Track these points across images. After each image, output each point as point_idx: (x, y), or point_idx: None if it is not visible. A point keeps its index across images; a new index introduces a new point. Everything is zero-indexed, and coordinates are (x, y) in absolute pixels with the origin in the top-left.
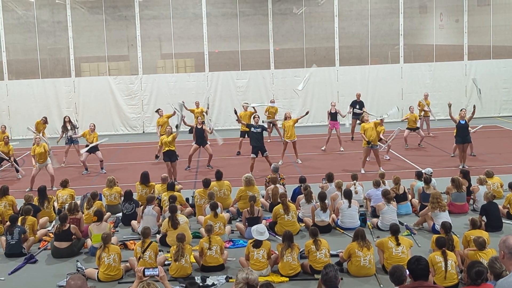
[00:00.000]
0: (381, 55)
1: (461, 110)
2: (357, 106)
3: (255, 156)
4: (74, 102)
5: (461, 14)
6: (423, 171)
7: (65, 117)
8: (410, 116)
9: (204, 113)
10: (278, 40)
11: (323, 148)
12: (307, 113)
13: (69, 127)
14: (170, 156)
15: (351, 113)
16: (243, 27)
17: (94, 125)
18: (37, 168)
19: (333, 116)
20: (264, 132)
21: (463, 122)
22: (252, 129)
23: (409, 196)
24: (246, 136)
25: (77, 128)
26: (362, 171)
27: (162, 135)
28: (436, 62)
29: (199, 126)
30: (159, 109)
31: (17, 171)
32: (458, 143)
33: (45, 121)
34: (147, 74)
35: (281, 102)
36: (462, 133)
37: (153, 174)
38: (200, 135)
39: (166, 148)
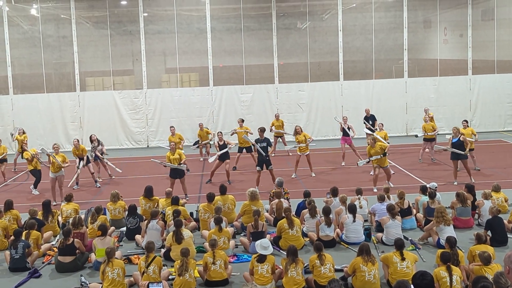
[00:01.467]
0: (385, 69)
1: (453, 128)
2: (370, 122)
3: (260, 169)
4: (79, 116)
5: (465, 29)
6: (427, 185)
7: (91, 136)
8: (426, 125)
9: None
10: (282, 55)
11: (343, 164)
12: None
13: (96, 144)
14: (176, 174)
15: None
16: (248, 41)
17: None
18: (53, 179)
19: (345, 131)
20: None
21: (455, 140)
22: (258, 144)
23: (414, 211)
24: (244, 151)
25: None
26: (375, 189)
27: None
28: (440, 76)
29: (221, 143)
30: (172, 126)
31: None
32: (452, 159)
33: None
34: (151, 88)
35: (285, 117)
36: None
37: (157, 189)
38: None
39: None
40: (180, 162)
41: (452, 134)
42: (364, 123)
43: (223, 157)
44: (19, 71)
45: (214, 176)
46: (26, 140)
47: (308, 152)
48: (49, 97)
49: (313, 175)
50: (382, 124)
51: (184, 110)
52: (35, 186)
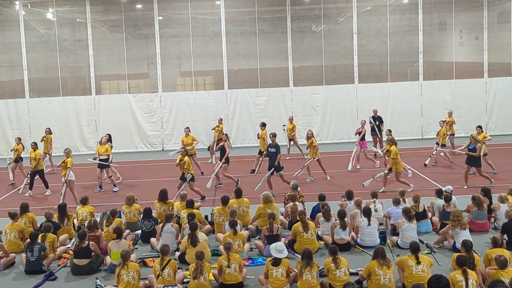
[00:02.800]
0: (400, 72)
1: (470, 136)
2: (377, 122)
3: (270, 174)
4: (94, 119)
5: (481, 31)
6: (443, 189)
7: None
8: (443, 130)
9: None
10: (297, 58)
11: (358, 167)
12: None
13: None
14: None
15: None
16: (262, 45)
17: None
18: (63, 183)
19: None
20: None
21: (471, 147)
22: (269, 148)
23: (429, 214)
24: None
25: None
26: (382, 189)
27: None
28: (456, 79)
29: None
30: (187, 127)
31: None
32: (467, 163)
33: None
34: (166, 91)
35: (299, 120)
36: (470, 158)
37: (171, 192)
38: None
39: (182, 170)
40: (185, 168)
41: (470, 140)
42: (370, 122)
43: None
44: (35, 74)
45: (222, 179)
46: (51, 141)
47: (318, 157)
48: (65, 100)
49: (328, 178)
50: (390, 131)
51: (199, 114)
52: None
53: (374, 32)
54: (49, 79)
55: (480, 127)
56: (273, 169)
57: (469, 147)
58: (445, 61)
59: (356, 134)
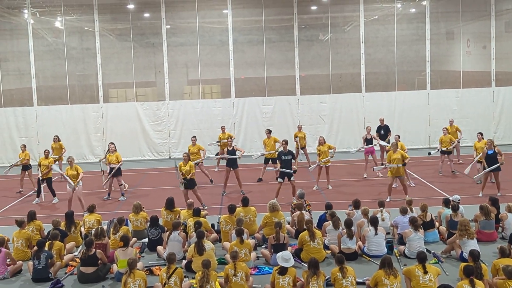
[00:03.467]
0: (407, 81)
1: (488, 140)
2: (382, 132)
3: (282, 181)
4: (102, 127)
5: (488, 40)
6: (450, 198)
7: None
8: (444, 137)
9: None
10: (304, 66)
11: (364, 176)
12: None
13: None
14: (190, 185)
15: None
16: (269, 53)
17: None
18: (70, 191)
19: (368, 141)
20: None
21: (491, 152)
22: (282, 156)
23: (437, 224)
24: (270, 162)
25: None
26: (388, 199)
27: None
28: (463, 88)
29: (229, 148)
30: (194, 136)
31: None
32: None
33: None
34: (173, 100)
35: (307, 128)
36: (490, 163)
37: (178, 200)
38: (232, 158)
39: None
40: (187, 174)
41: (487, 146)
42: (377, 133)
43: (231, 165)
44: (43, 82)
45: (227, 187)
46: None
47: (329, 164)
48: (73, 108)
49: (330, 187)
50: (399, 136)
51: (206, 122)
52: (54, 195)
53: (381, 41)
54: (57, 87)
55: (481, 133)
56: (285, 175)
57: (488, 153)
58: (453, 70)
59: (364, 142)
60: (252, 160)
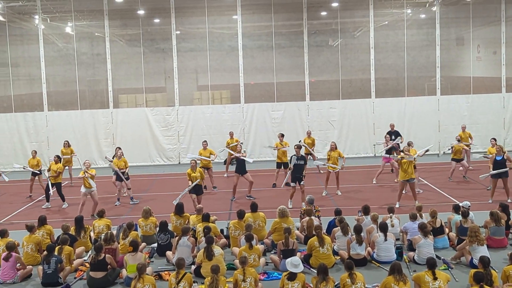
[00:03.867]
0: (417, 87)
1: (497, 145)
2: (393, 137)
3: (294, 185)
4: (112, 133)
5: (498, 46)
6: (460, 204)
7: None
8: (457, 146)
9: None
10: (313, 72)
11: (374, 182)
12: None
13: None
14: (197, 190)
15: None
16: (279, 59)
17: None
18: (84, 194)
19: (388, 150)
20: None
21: (499, 158)
22: (296, 161)
23: (446, 230)
24: (282, 167)
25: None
26: (397, 205)
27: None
28: (473, 94)
29: (238, 154)
30: (205, 141)
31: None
32: (493, 177)
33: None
34: (183, 105)
35: (316, 134)
36: (499, 169)
37: (187, 205)
38: (240, 164)
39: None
40: (194, 180)
41: (496, 152)
42: (385, 137)
43: (240, 171)
44: (53, 88)
45: (236, 193)
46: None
47: (337, 170)
48: (83, 113)
49: (339, 193)
50: (412, 143)
51: (215, 127)
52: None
53: (391, 46)
54: (67, 93)
55: (494, 139)
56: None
57: (497, 159)
58: (463, 76)
59: (383, 150)
60: (263, 166)
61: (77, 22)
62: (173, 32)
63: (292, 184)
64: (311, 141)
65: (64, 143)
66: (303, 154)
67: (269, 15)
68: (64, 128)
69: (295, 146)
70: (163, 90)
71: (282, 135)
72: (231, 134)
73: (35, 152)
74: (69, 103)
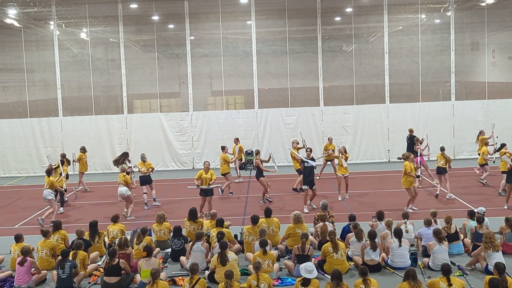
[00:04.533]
0: (432, 92)
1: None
2: (409, 142)
3: (307, 188)
4: (126, 138)
5: None
6: (475, 210)
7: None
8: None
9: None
10: (327, 77)
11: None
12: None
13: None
14: (207, 192)
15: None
16: (293, 64)
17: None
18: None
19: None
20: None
21: None
22: (305, 163)
23: (461, 236)
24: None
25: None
26: (410, 210)
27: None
28: (488, 99)
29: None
30: (225, 146)
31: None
32: (508, 182)
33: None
34: (197, 110)
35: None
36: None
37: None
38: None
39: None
40: (210, 182)
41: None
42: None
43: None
44: (68, 93)
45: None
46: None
47: (347, 174)
48: (97, 119)
49: (347, 197)
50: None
51: (229, 133)
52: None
53: (406, 51)
54: (82, 98)
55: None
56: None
57: None
58: (478, 81)
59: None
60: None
61: (92, 28)
62: (187, 37)
63: (304, 187)
64: (332, 147)
65: (81, 149)
66: (314, 157)
67: (283, 20)
68: (79, 133)
69: (307, 149)
70: (177, 95)
71: (298, 142)
72: (236, 141)
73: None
74: (84, 108)
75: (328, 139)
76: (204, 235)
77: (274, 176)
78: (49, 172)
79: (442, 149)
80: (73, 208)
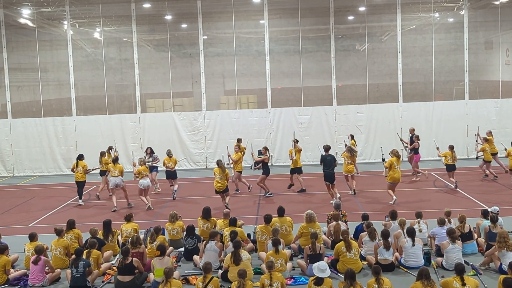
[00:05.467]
0: (445, 91)
1: None
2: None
3: (329, 183)
4: (139, 137)
5: None
6: (489, 209)
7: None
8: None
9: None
10: (340, 76)
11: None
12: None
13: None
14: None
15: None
16: (306, 63)
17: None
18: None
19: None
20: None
21: None
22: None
23: (475, 235)
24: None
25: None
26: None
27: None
28: (502, 98)
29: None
30: (238, 140)
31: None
32: None
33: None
34: (210, 110)
35: (343, 139)
36: None
37: (215, 210)
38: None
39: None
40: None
41: None
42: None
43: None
44: (82, 93)
45: (275, 197)
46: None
47: (353, 173)
48: (111, 118)
49: (351, 193)
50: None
51: (242, 132)
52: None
53: (419, 50)
54: (95, 97)
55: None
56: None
57: None
58: (492, 80)
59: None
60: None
61: (105, 28)
62: (200, 37)
63: (326, 182)
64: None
65: (108, 148)
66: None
67: (296, 19)
68: (93, 133)
69: (324, 147)
70: (190, 94)
71: (297, 141)
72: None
73: (108, 151)
74: (97, 108)
75: (350, 135)
76: (218, 234)
77: (287, 175)
78: (116, 159)
79: (451, 147)
80: (88, 207)
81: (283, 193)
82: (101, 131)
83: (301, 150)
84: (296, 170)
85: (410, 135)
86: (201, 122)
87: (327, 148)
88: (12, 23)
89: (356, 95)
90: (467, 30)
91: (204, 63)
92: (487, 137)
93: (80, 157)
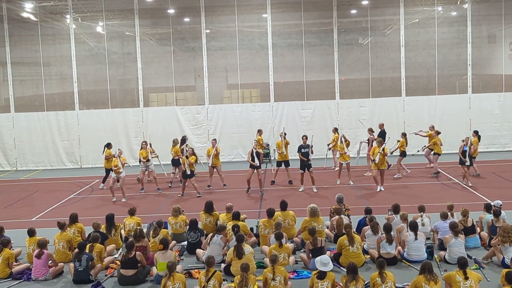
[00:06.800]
0: (448, 85)
1: None
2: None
3: (302, 172)
4: (142, 131)
5: None
6: (492, 203)
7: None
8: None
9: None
10: (343, 70)
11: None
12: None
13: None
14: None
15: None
16: (309, 57)
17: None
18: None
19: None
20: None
21: None
22: (302, 149)
23: (478, 229)
24: (282, 165)
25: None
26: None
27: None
28: (505, 92)
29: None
30: (214, 139)
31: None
32: None
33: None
34: (213, 104)
35: (346, 132)
36: None
37: (217, 204)
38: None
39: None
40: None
41: None
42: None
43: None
44: (85, 87)
45: (276, 191)
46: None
47: (349, 161)
48: (114, 112)
49: (351, 183)
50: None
51: (245, 126)
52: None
53: (422, 44)
54: (98, 92)
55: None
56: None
57: None
58: (495, 74)
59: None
60: (294, 164)
61: (108, 22)
62: (203, 31)
63: (300, 171)
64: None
65: (143, 144)
66: (309, 144)
67: (299, 13)
68: (95, 127)
69: (303, 136)
70: (193, 88)
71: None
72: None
73: (145, 143)
74: (100, 102)
75: (369, 129)
76: (225, 229)
77: (290, 169)
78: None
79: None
80: (93, 200)
81: (285, 187)
82: (104, 125)
83: (289, 143)
84: (284, 163)
85: (380, 130)
86: (204, 116)
87: None
88: (14, 17)
89: (359, 89)
90: (470, 23)
91: (207, 57)
92: (430, 131)
93: (108, 145)
